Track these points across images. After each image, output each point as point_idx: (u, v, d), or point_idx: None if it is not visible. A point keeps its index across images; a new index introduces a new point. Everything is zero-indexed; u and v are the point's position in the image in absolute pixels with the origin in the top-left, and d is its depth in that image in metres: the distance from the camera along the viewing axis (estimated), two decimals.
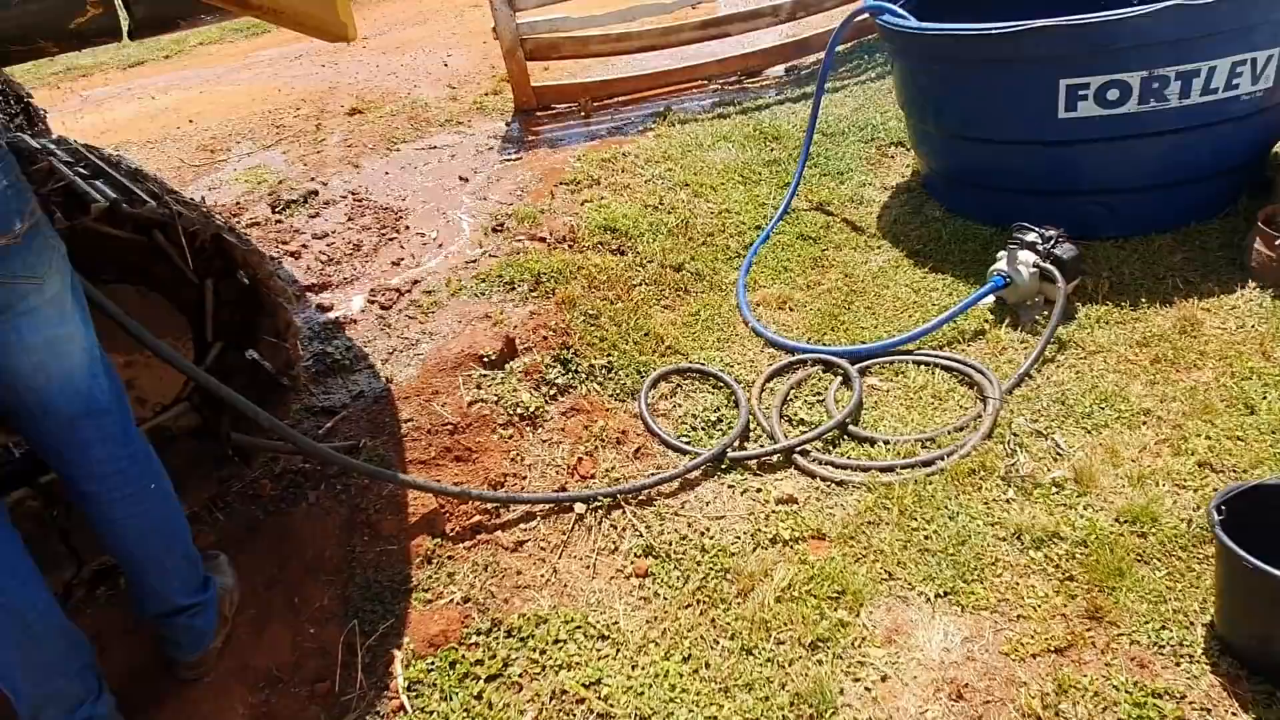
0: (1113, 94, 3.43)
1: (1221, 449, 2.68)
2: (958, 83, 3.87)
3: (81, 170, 2.33)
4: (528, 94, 5.88)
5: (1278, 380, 2.90)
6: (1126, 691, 2.04)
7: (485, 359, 3.15)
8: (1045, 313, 3.35)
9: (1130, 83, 3.39)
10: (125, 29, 2.39)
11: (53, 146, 2.49)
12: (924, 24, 3.78)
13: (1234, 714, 1.98)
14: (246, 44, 9.19)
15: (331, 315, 3.55)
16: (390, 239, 4.15)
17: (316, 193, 4.71)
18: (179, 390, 2.67)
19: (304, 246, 4.11)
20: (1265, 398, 2.83)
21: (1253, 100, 3.48)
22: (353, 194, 4.66)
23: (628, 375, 3.28)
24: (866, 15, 4.26)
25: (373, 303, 3.61)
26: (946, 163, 4.26)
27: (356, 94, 6.46)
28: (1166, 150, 3.58)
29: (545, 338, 3.30)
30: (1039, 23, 3.34)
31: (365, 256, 4.01)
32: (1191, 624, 2.18)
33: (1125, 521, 2.48)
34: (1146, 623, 2.20)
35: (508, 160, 5.08)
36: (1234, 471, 2.60)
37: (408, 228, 4.27)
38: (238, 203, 4.73)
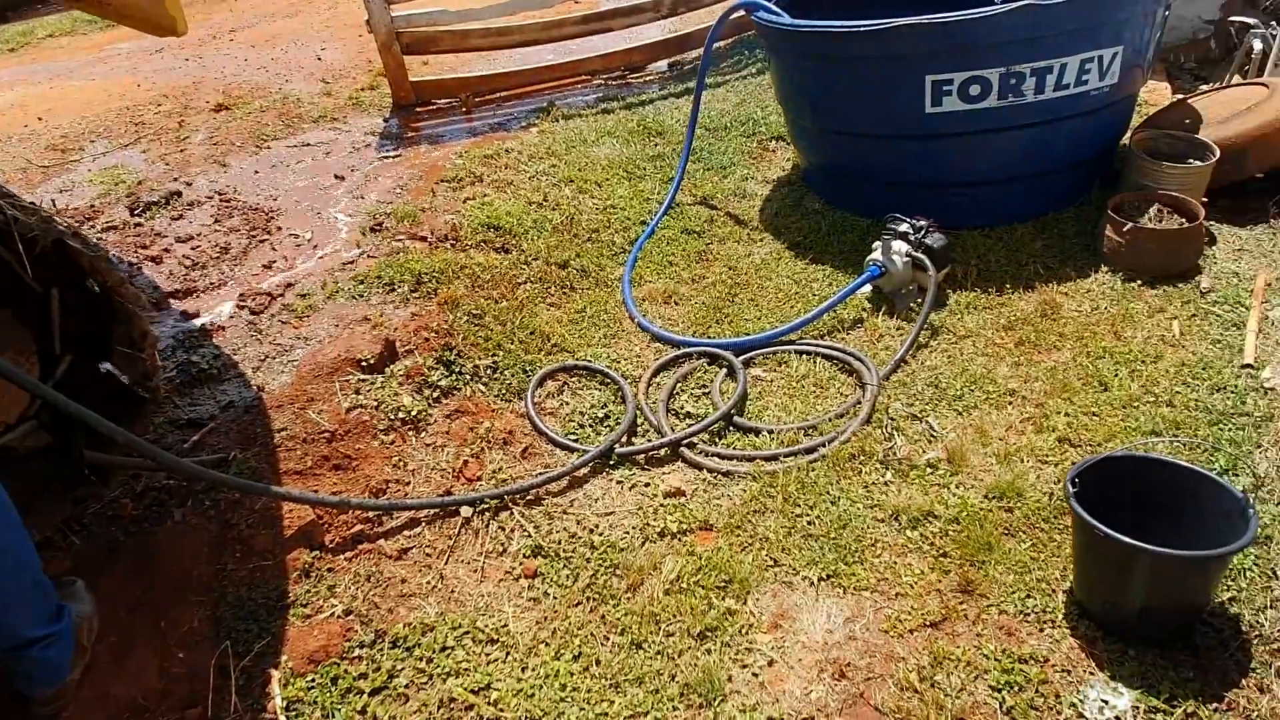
0: (975, 89, 3.58)
1: (1079, 425, 2.84)
2: (831, 79, 3.97)
3: None
4: (406, 89, 5.72)
5: (1128, 359, 3.09)
6: (996, 659, 2.14)
7: (364, 363, 3.05)
8: (919, 300, 3.47)
9: (990, 79, 3.55)
10: None
11: None
12: (797, 21, 3.86)
13: (1091, 673, 2.10)
14: (101, 36, 8.62)
15: (197, 322, 3.37)
16: (261, 241, 3.96)
17: (180, 193, 4.46)
18: (24, 408, 2.48)
19: (166, 251, 3.88)
20: (1117, 375, 3.02)
21: (1101, 95, 3.70)
22: (219, 194, 4.43)
23: (513, 375, 3.24)
24: (743, 12, 4.32)
25: (242, 308, 3.44)
26: (824, 157, 4.37)
27: (223, 89, 6.14)
28: (1025, 143, 3.77)
29: (427, 339, 3.22)
30: (905, 20, 3.45)
31: (234, 260, 3.82)
32: (1053, 591, 2.30)
33: (993, 498, 2.60)
34: (1013, 593, 2.31)
35: (386, 157, 4.93)
36: (1090, 445, 2.75)
37: (280, 229, 4.09)
38: (92, 205, 4.43)
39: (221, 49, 7.29)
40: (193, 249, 3.89)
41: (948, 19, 3.40)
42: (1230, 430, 2.73)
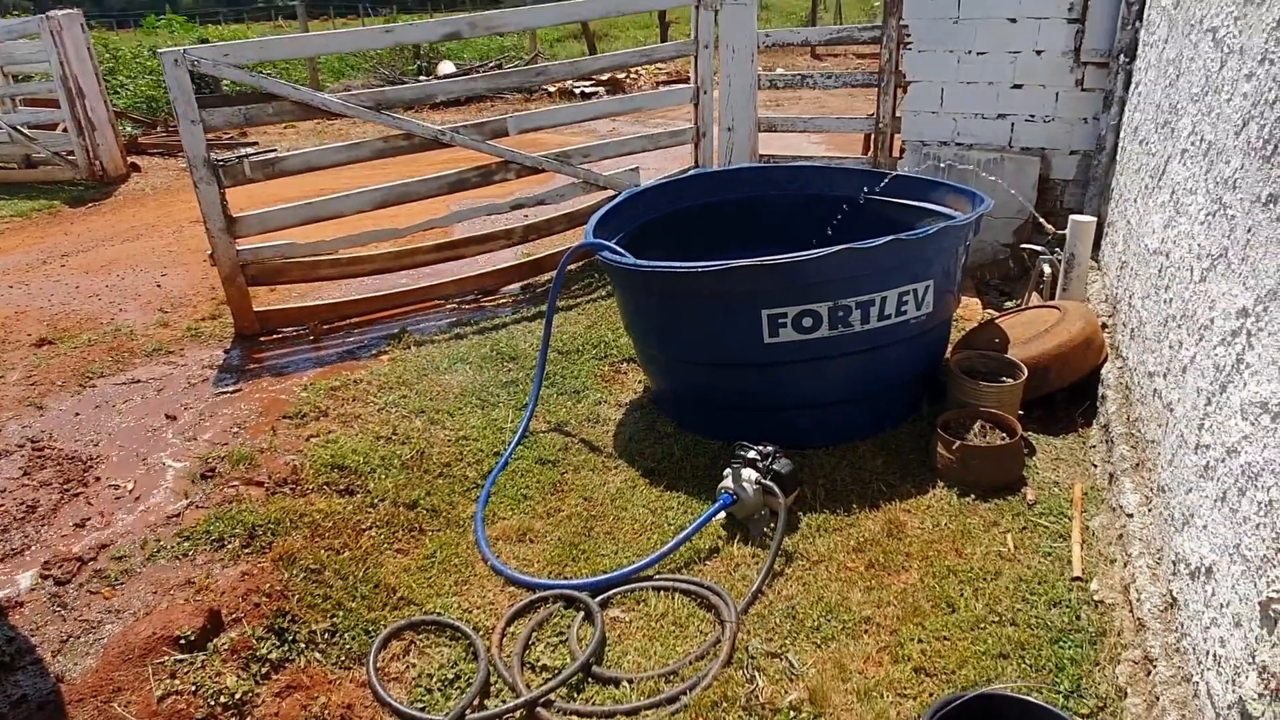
0: (807, 321, 3.84)
1: (932, 651, 2.86)
2: (675, 313, 4.18)
3: None
4: (249, 319, 5.60)
5: (971, 577, 3.19)
6: None
7: (183, 639, 2.75)
8: (771, 525, 3.51)
9: (820, 312, 3.82)
10: None
11: None
12: (639, 261, 4.08)
13: None
14: None
15: None
16: (75, 495, 3.63)
17: None
18: None
19: None
20: (963, 595, 3.10)
21: (920, 322, 4.04)
22: (32, 442, 4.08)
23: (354, 637, 3.00)
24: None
25: (46, 578, 3.08)
26: (672, 383, 4.52)
27: (48, 320, 5.83)
28: (857, 367, 4.03)
29: (258, 604, 2.96)
30: (741, 262, 3.72)
31: (41, 519, 3.47)
32: None
33: None
34: None
35: (224, 393, 4.73)
36: (944, 673, 2.77)
37: (98, 479, 3.78)
38: None
39: (52, 275, 7.00)
40: None
41: (779, 261, 3.68)
42: (1070, 648, 2.82)
